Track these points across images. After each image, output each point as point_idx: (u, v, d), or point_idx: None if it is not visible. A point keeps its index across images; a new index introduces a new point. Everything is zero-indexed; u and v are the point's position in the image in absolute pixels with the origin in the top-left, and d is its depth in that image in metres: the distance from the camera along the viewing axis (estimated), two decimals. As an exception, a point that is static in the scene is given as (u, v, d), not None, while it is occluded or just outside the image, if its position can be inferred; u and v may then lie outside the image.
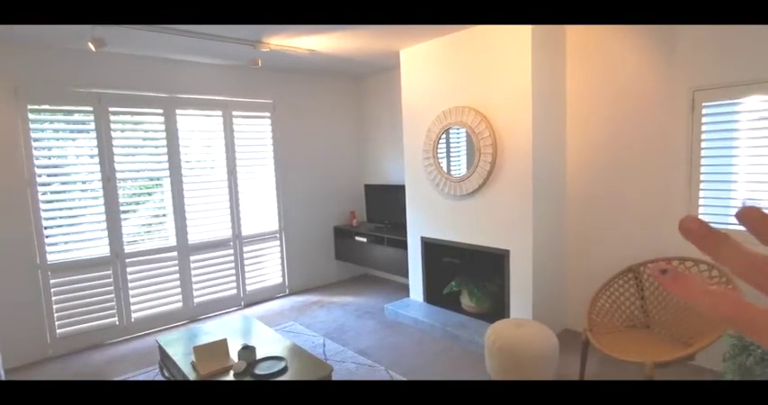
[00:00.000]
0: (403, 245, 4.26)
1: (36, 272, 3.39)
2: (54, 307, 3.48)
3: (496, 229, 3.40)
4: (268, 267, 4.72)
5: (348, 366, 3.10)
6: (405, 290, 4.53)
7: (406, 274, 4.29)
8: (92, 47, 2.91)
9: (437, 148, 3.71)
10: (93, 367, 3.26)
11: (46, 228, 3.43)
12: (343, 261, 5.09)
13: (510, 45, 3.12)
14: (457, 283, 3.82)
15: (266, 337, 2.72)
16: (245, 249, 4.50)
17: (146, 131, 3.88)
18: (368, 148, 5.27)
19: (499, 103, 3.25)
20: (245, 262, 4.51)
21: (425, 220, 3.97)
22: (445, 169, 3.70)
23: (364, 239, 4.73)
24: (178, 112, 3.96)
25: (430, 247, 4.00)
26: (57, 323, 3.50)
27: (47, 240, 3.43)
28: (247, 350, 2.33)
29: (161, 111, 3.87)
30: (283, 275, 4.82)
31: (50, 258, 3.45)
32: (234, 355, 2.36)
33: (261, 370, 2.24)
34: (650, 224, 3.02)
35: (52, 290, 3.47)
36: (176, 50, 3.64)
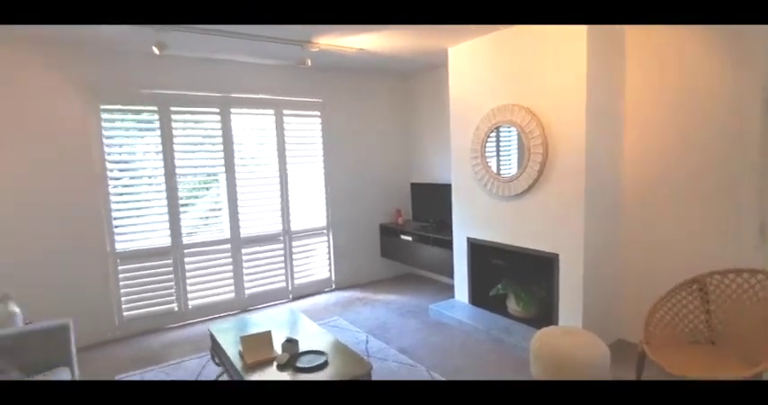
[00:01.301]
0: (448, 245, 4.21)
1: (106, 259, 3.68)
2: (121, 292, 3.77)
3: (545, 232, 3.27)
4: (316, 262, 4.84)
5: (390, 365, 3.11)
6: (449, 290, 4.48)
7: (450, 275, 4.24)
8: (156, 50, 3.11)
9: (485, 147, 3.63)
10: (152, 350, 3.50)
11: (115, 218, 3.71)
12: (389, 259, 5.11)
13: (564, 43, 2.98)
14: (503, 286, 3.72)
15: (310, 331, 2.79)
16: (293, 244, 4.63)
17: (204, 129, 4.10)
18: (415, 146, 5.25)
19: (551, 102, 3.12)
20: (294, 256, 4.65)
21: (472, 221, 3.89)
22: (493, 169, 3.60)
23: (409, 238, 4.72)
24: (233, 110, 4.14)
25: (476, 247, 3.92)
26: (123, 307, 3.79)
27: (115, 230, 3.72)
28: (291, 343, 2.40)
29: (217, 110, 4.07)
30: (330, 271, 4.92)
31: (118, 247, 3.74)
32: (278, 347, 2.44)
33: (302, 363, 2.30)
34: (715, 234, 2.78)
35: (120, 276, 3.76)
36: (231, 52, 3.80)
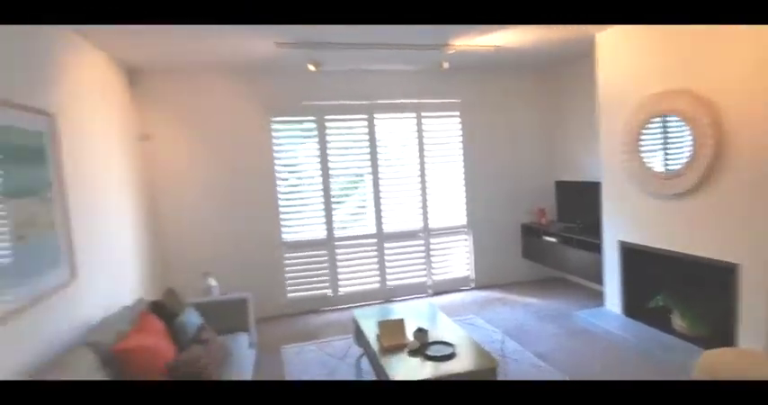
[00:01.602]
0: (597, 248, 3.86)
1: (278, 247, 4.38)
2: (286, 276, 4.44)
3: (721, 238, 2.78)
4: (455, 260, 4.93)
5: (524, 368, 3.03)
6: (596, 297, 4.11)
7: (599, 281, 3.89)
8: (312, 68, 3.59)
9: (640, 140, 3.24)
10: (309, 329, 4.04)
11: (282, 213, 4.39)
12: (531, 260, 4.91)
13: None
14: (663, 298, 3.28)
15: (443, 325, 2.90)
16: (433, 241, 4.81)
17: (353, 134, 4.54)
18: (558, 142, 4.93)
19: (727, 85, 2.64)
20: (433, 253, 4.82)
21: (624, 222, 3.52)
22: (650, 164, 3.20)
23: (554, 239, 4.46)
24: (377, 116, 4.50)
25: (630, 252, 3.52)
26: (288, 289, 4.45)
27: (282, 223, 4.39)
28: (421, 332, 2.55)
29: (365, 116, 4.47)
30: (469, 269, 4.96)
31: (285, 237, 4.41)
32: (410, 335, 2.62)
33: (431, 351, 2.43)
34: None
35: (285, 262, 4.43)
36: (374, 62, 4.14)
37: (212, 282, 3.67)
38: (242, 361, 2.68)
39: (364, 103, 4.47)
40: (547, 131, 5.04)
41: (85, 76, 2.98)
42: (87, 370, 1.95)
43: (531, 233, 4.86)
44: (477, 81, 4.76)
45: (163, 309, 2.59)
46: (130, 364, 2.09)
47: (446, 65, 4.01)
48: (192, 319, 2.63)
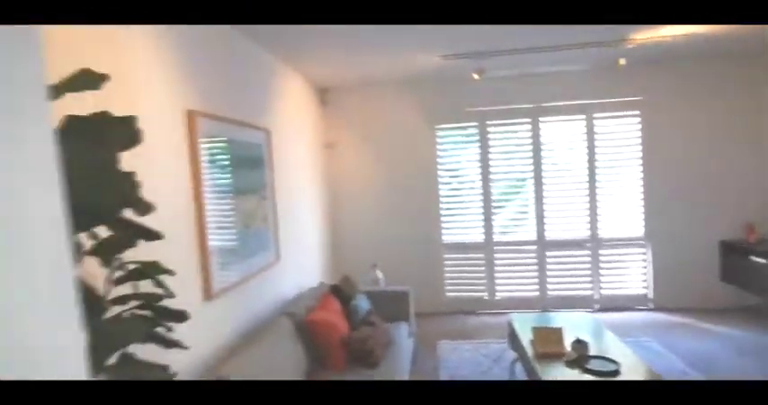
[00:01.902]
0: (831, 274, 3.07)
1: (438, 248, 4.62)
2: (445, 275, 4.65)
3: None
4: (629, 275, 4.46)
5: None
6: (832, 338, 3.25)
7: (833, 316, 3.07)
8: (476, 76, 3.71)
9: None
10: (466, 328, 4.16)
11: (443, 215, 4.61)
12: (732, 284, 4.12)
13: None
14: None
15: (608, 342, 2.71)
16: (602, 252, 4.43)
17: (516, 139, 4.50)
18: (783, 141, 4.02)
19: None
20: (602, 265, 4.45)
21: None
22: None
23: (765, 261, 3.68)
24: (542, 119, 4.37)
25: None
26: (446, 288, 4.65)
27: (443, 225, 4.62)
28: (580, 344, 2.44)
29: (528, 120, 4.39)
30: (647, 287, 4.42)
31: (445, 239, 4.63)
32: (568, 346, 2.53)
33: (591, 365, 2.31)
34: None
35: (444, 262, 4.64)
36: (540, 64, 4.03)
37: (379, 274, 4.10)
38: (402, 348, 2.95)
39: (528, 106, 4.39)
40: (758, 133, 4.17)
41: (289, 96, 3.67)
42: (286, 334, 2.45)
43: (733, 252, 4.08)
44: (663, 76, 4.22)
45: (340, 292, 3.04)
46: (316, 334, 2.54)
47: (623, 61, 3.68)
48: (362, 303, 3.02)
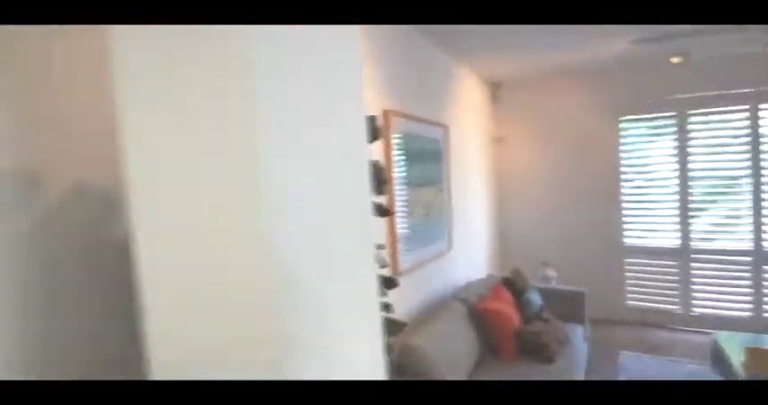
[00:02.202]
0: None
1: (618, 250, 4.22)
2: (627, 281, 4.22)
3: None
4: None
5: None
6: None
7: None
8: (675, 60, 3.27)
9: None
10: (651, 342, 3.72)
11: (625, 216, 4.19)
12: None
13: None
14: None
15: None
16: None
17: (725, 130, 3.82)
18: None
19: None
20: None
21: None
22: None
23: None
24: (762, 106, 3.60)
25: None
26: (627, 295, 4.22)
27: (625, 226, 4.19)
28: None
29: (745, 106, 3.68)
30: None
31: (626, 241, 4.20)
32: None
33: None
34: None
35: (625, 267, 4.21)
36: (757, 42, 3.33)
37: (551, 272, 3.95)
38: (577, 350, 2.83)
39: (747, 91, 3.68)
40: None
41: (463, 93, 3.82)
42: (459, 318, 2.60)
43: None
44: None
45: (512, 284, 3.06)
46: (489, 322, 2.63)
47: None
48: (535, 298, 2.99)
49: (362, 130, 0.80)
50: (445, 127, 3.27)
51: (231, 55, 0.63)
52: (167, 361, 0.72)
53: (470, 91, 4.03)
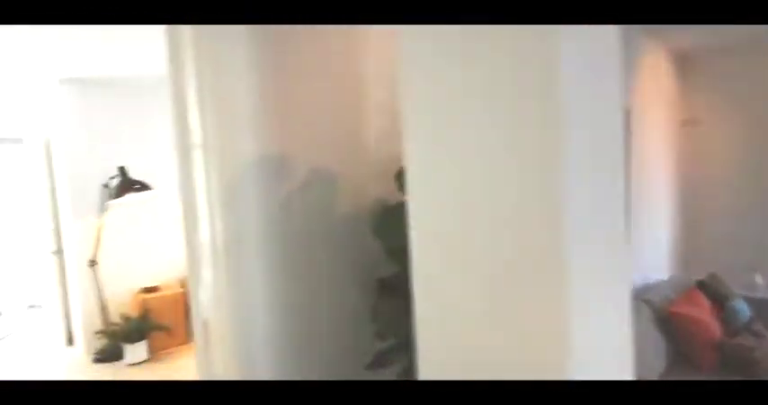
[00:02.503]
0: None
1: None
2: None
3: None
4: None
5: None
6: None
7: None
8: None
9: None
10: None
11: None
12: None
13: None
14: None
15: None
16: None
17: None
18: None
19: None
20: None
21: None
22: None
23: None
24: None
25: None
26: None
27: None
28: None
29: None
30: None
31: None
32: None
33: None
34: None
35: None
36: None
37: (759, 279, 3.31)
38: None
39: None
40: None
41: (647, 71, 3.37)
42: (644, 320, 2.35)
43: None
44: None
45: (708, 289, 2.65)
46: (681, 329, 2.33)
47: None
48: (742, 308, 2.55)
49: (620, 128, 0.78)
50: (627, 111, 2.95)
51: (530, 53, 0.64)
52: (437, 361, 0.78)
53: (655, 65, 3.54)
